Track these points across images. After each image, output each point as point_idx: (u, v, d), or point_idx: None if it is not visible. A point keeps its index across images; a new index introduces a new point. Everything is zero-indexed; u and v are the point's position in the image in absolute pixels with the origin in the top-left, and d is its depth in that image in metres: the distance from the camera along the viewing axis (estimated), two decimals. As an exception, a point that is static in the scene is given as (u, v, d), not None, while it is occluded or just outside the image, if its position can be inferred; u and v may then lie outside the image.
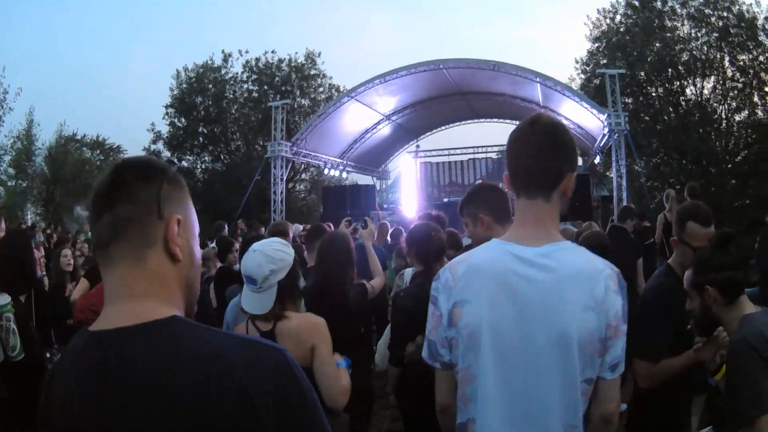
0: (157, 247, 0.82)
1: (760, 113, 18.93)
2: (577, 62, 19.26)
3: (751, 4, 18.26)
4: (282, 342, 1.82)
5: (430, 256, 2.59)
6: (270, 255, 1.91)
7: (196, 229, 0.91)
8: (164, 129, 21.31)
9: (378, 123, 16.97)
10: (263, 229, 9.70)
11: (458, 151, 18.72)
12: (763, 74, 18.52)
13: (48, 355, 3.00)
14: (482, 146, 18.88)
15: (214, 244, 6.99)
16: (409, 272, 3.02)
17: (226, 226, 8.18)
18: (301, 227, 9.54)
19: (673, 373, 2.02)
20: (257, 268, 1.88)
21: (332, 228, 7.70)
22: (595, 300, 1.15)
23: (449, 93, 16.35)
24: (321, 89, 20.73)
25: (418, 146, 19.14)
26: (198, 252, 0.91)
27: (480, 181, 3.05)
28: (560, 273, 1.16)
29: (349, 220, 4.01)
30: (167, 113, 21.00)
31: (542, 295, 1.15)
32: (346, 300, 2.64)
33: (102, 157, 24.63)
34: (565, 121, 15.94)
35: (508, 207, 2.10)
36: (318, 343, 1.92)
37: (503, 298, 1.17)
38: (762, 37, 18.27)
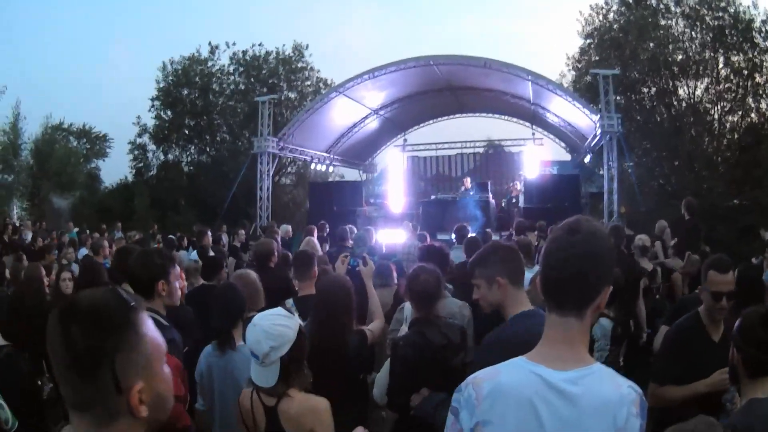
0: (123, 417, 0.89)
1: (753, 116, 18.75)
2: (568, 58, 19.02)
3: (748, 6, 18.08)
4: (283, 423, 1.92)
5: (425, 304, 2.60)
6: (268, 331, 1.89)
7: (163, 368, 0.97)
8: (150, 122, 21.11)
9: (366, 117, 16.74)
10: (242, 232, 9.60)
11: (446, 146, 18.53)
12: (757, 76, 18.35)
13: (39, 383, 3.06)
14: (470, 141, 18.73)
15: (195, 255, 6.74)
16: (408, 307, 2.93)
17: (209, 233, 7.80)
18: (289, 228, 9.46)
19: (672, 399, 2.34)
20: (257, 344, 1.88)
21: (314, 233, 7.61)
22: (616, 427, 1.16)
23: (438, 88, 16.14)
24: (308, 83, 20.48)
25: (405, 140, 18.95)
26: (169, 381, 1.00)
27: (494, 241, 3.20)
28: (585, 402, 1.15)
29: (346, 256, 3.72)
30: (153, 106, 20.79)
31: (566, 424, 1.15)
32: (345, 349, 2.64)
33: (88, 146, 24.44)
34: (555, 119, 16.02)
35: (523, 269, 2.11)
36: (316, 428, 1.94)
37: (529, 425, 1.16)
38: (758, 39, 18.06)
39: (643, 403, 1.19)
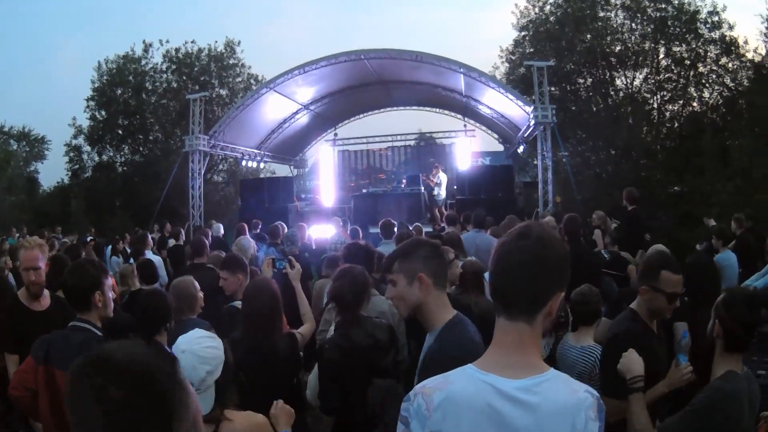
0: None
1: (695, 105, 18.93)
2: (502, 50, 18.99)
3: (694, -3, 18.14)
4: None
5: (347, 307, 2.59)
6: (202, 355, 1.81)
7: None
8: (85, 123, 20.69)
9: (296, 112, 16.56)
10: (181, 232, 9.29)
11: (377, 139, 18.47)
12: (700, 65, 18.51)
13: None
14: (401, 134, 18.63)
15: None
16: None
17: (149, 236, 7.52)
18: (221, 227, 9.32)
19: (638, 411, 2.23)
20: (192, 371, 1.77)
21: (244, 231, 7.38)
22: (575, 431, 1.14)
23: (369, 82, 16.00)
24: (239, 79, 20.24)
25: (335, 134, 18.84)
26: None
27: (418, 237, 3.21)
28: (543, 410, 1.11)
29: (272, 258, 3.68)
30: (88, 106, 20.38)
31: None
32: (276, 352, 2.64)
33: (28, 149, 23.96)
34: (487, 110, 15.96)
35: (446, 270, 2.01)
36: None
37: None
38: (703, 30, 18.20)
39: (601, 406, 1.17)
